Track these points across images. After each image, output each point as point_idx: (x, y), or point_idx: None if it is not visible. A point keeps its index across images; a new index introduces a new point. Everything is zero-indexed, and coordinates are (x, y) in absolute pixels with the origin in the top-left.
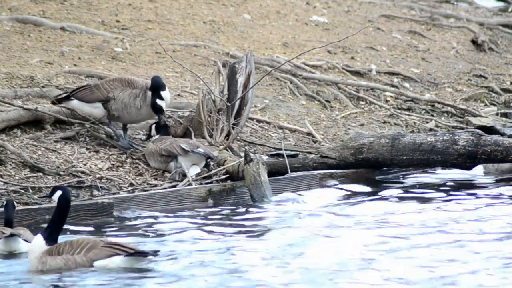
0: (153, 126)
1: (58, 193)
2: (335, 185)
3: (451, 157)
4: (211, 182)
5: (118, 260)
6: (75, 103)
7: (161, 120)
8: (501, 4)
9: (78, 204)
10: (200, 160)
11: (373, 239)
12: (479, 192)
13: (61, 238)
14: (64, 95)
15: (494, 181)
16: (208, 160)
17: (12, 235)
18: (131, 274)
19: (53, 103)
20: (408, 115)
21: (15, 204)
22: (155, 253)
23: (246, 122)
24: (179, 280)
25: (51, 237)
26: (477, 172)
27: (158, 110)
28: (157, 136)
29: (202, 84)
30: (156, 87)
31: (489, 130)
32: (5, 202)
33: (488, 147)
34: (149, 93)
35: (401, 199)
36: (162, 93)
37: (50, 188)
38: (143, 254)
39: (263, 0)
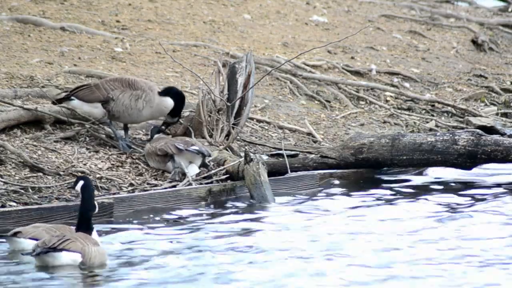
0: (154, 129)
1: (81, 183)
2: (335, 185)
3: (451, 157)
4: (211, 182)
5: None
6: (75, 103)
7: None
8: (501, 4)
9: (78, 204)
10: (196, 158)
11: (373, 239)
12: (481, 191)
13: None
14: (64, 94)
15: (496, 181)
16: (205, 158)
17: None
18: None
19: (54, 103)
20: (408, 115)
21: None
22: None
23: (246, 122)
24: (178, 280)
25: (82, 229)
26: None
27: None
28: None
29: (202, 84)
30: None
31: (489, 130)
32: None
33: (488, 147)
34: (156, 96)
35: (402, 199)
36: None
37: (75, 179)
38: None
39: (263, 0)
